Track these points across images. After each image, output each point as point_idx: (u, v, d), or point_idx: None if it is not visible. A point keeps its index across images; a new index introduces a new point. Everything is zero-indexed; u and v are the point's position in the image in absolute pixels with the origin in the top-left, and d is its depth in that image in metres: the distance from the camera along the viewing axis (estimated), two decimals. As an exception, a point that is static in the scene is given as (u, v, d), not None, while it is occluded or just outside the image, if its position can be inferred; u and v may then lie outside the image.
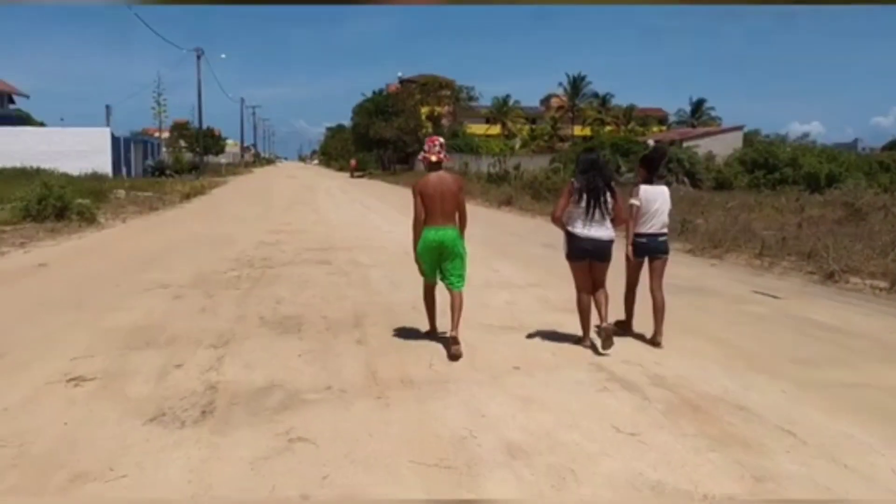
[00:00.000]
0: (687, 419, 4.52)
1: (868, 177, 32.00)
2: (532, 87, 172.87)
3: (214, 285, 8.97)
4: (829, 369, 5.78)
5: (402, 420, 4.42)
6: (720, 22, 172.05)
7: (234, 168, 72.81)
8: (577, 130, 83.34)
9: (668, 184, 34.94)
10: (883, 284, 9.36)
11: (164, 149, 64.83)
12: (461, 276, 6.09)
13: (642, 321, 6.67)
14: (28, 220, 16.00)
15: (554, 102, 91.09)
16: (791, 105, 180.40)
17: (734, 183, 34.91)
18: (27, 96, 52.13)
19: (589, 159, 6.20)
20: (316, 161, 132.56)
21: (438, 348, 6.06)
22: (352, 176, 59.52)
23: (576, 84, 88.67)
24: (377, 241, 13.83)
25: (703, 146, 45.75)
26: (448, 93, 59.59)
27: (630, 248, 6.49)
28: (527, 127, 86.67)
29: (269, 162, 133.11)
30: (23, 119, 49.36)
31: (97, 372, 5.26)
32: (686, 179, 36.56)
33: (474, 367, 5.57)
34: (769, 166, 36.35)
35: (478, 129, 79.47)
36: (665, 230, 6.48)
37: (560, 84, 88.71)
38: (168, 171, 46.57)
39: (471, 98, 60.81)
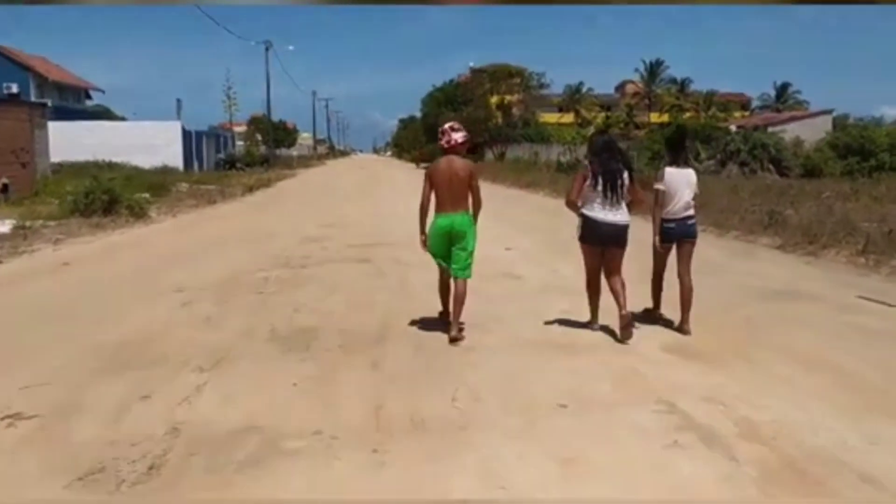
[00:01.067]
0: (792, 494, 3.26)
1: (978, 161, 29.15)
2: (606, 74, 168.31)
3: (235, 289, 8.07)
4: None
5: (392, 488, 3.31)
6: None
7: (307, 161, 73.10)
8: (654, 117, 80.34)
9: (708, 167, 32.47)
10: None
11: (238, 142, 65.76)
12: (467, 265, 5.98)
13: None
14: (76, 214, 15.63)
15: (629, 89, 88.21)
16: (881, 88, 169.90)
17: (825, 170, 32.38)
18: (103, 91, 53.43)
19: (603, 141, 6.08)
20: (389, 153, 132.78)
21: (466, 376, 4.92)
22: (417, 166, 59.02)
23: (653, 69, 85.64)
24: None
25: (789, 132, 42.83)
26: (518, 81, 57.86)
27: (657, 235, 6.25)
28: (601, 115, 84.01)
29: (344, 154, 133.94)
30: (98, 114, 50.30)
31: (43, 407, 4.32)
32: (771, 167, 34.21)
33: (508, 404, 4.41)
34: (864, 152, 33.59)
35: (550, 117, 77.60)
36: (692, 212, 6.27)
37: (636, 70, 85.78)
38: (239, 165, 46.81)
39: (541, 85, 58.90)
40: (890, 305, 7.42)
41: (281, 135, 71.04)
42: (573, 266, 9.34)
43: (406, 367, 5.14)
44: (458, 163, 5.89)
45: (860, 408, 4.38)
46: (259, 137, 68.86)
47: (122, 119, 53.15)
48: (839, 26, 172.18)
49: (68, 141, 39.15)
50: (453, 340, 5.75)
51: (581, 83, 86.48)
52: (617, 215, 5.83)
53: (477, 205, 6.00)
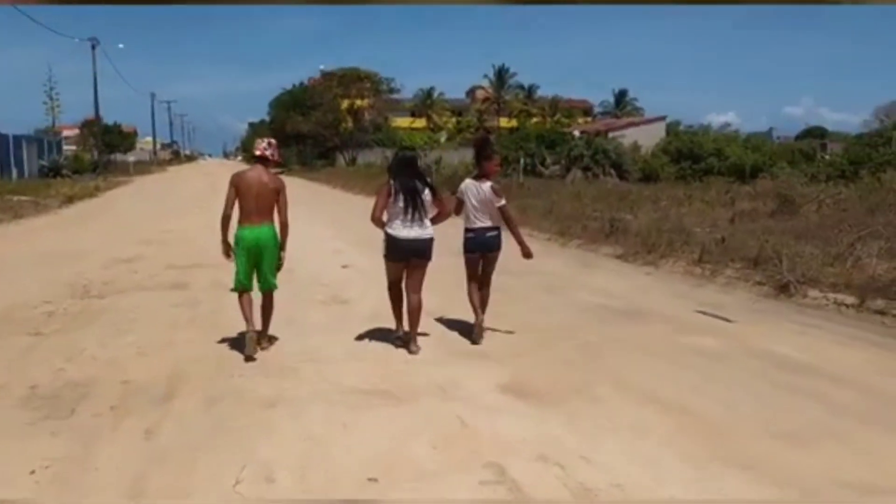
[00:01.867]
0: None
1: (791, 165, 31.38)
2: (457, 79, 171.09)
3: (3, 329, 6.72)
4: (818, 447, 4.06)
5: None
6: (638, 16, 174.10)
7: (146, 167, 68.48)
8: (504, 122, 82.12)
9: (586, 172, 33.31)
10: (850, 300, 7.76)
11: (68, 147, 60.57)
12: (274, 275, 6.08)
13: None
14: None
15: (479, 95, 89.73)
16: (708, 96, 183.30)
17: (661, 174, 33.90)
18: None
19: (404, 158, 6.20)
20: (239, 157, 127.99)
21: (260, 445, 4.05)
22: None
23: (501, 75, 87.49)
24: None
25: (628, 137, 44.77)
26: (368, 85, 57.07)
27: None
28: (452, 120, 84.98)
29: (191, 159, 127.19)
30: None
31: None
32: (612, 171, 35.40)
33: (306, 482, 3.59)
34: (694, 157, 35.55)
35: (403, 122, 77.37)
36: (489, 224, 6.42)
37: (486, 76, 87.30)
38: (65, 172, 42.97)
39: (391, 90, 58.45)
40: (727, 321, 7.26)
41: (115, 139, 66.20)
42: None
43: (187, 435, 4.19)
44: (268, 176, 5.86)
45: (704, 456, 3.93)
46: (93, 142, 63.95)
47: None
48: (673, 36, 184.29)
49: None
50: (263, 349, 5.93)
51: (432, 88, 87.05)
52: (419, 230, 5.92)
53: (284, 225, 5.98)
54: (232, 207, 5.83)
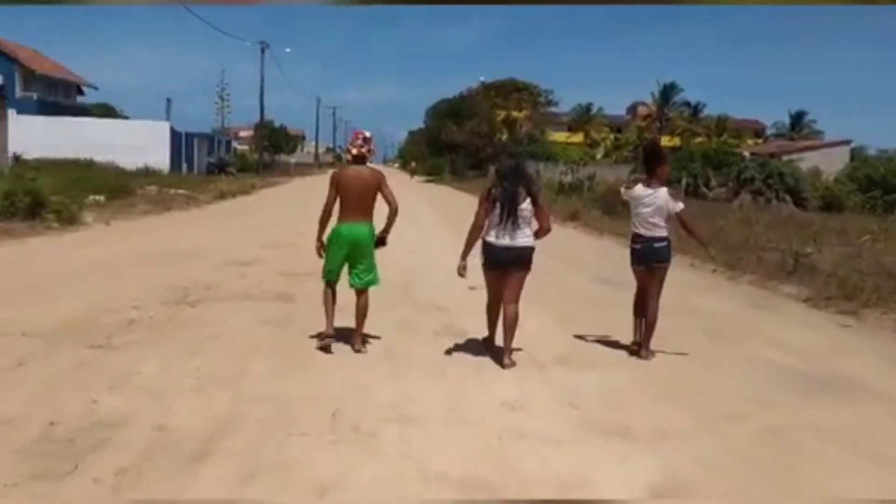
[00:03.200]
0: None
1: None
2: (617, 95, 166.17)
3: (72, 336, 5.90)
4: None
5: None
6: (819, 29, 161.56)
7: (307, 169, 70.98)
8: (666, 140, 78.27)
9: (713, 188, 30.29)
10: None
11: (238, 146, 63.83)
12: (368, 275, 5.96)
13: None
14: (-5, 218, 13.54)
15: (641, 111, 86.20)
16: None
17: (845, 203, 30.22)
18: (96, 88, 51.38)
19: (511, 165, 5.93)
20: (397, 165, 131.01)
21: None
22: (411, 178, 59.86)
23: (666, 92, 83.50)
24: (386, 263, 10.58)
25: (806, 161, 40.66)
26: (525, 96, 55.83)
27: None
28: (611, 136, 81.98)
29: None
30: (87, 111, 48.44)
31: None
32: (788, 197, 32.01)
33: None
34: (887, 185, 31.46)
35: (559, 136, 75.62)
36: (659, 234, 6.09)
37: (651, 93, 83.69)
38: (229, 170, 44.86)
39: (549, 102, 56.88)
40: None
41: (280, 140, 69.01)
42: (543, 318, 7.29)
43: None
44: (367, 172, 5.82)
45: None
46: (265, 143, 66.98)
47: (126, 118, 51.28)
48: (858, 56, 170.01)
49: (52, 137, 37.43)
50: (357, 351, 5.84)
51: (591, 103, 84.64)
52: (515, 239, 5.73)
53: (393, 211, 5.92)
54: (332, 205, 5.82)
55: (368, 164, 6.02)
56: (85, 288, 8.01)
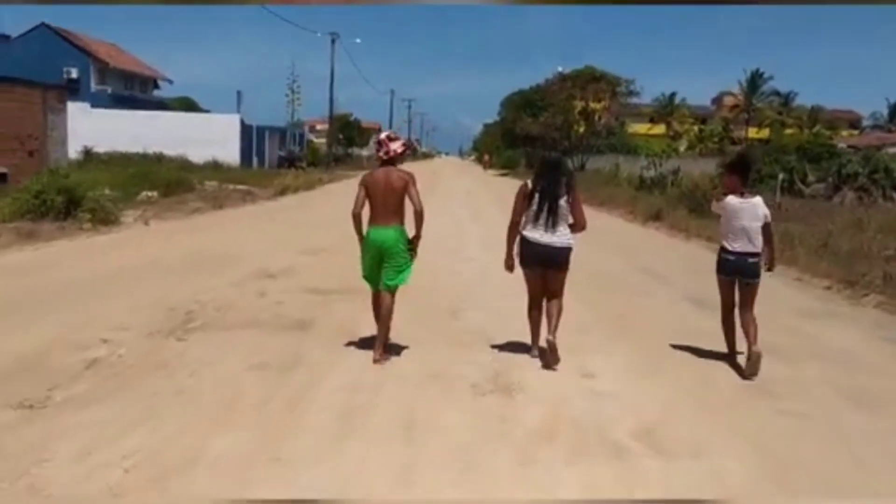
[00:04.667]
0: None
1: None
2: (703, 85, 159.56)
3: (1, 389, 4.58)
4: None
5: None
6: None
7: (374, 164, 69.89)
8: (753, 133, 74.16)
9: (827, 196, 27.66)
10: None
11: (315, 140, 63.46)
12: (398, 276, 5.71)
13: None
14: (28, 216, 12.68)
15: (727, 101, 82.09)
16: None
17: (963, 202, 26.98)
18: (171, 81, 51.80)
19: (551, 161, 5.93)
20: (472, 157, 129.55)
21: None
22: (485, 170, 59.46)
23: (754, 81, 79.15)
24: (437, 279, 9.04)
25: (912, 154, 37.03)
26: (604, 86, 53.19)
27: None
28: (695, 128, 78.17)
29: (427, 156, 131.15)
30: (164, 104, 48.70)
31: None
32: (895, 195, 28.94)
33: None
34: None
35: (640, 128, 72.53)
36: (754, 250, 5.83)
37: (738, 81, 79.53)
38: (299, 163, 44.28)
39: (630, 92, 53.95)
40: None
41: (353, 133, 68.34)
42: (625, 364, 5.54)
43: None
44: (395, 173, 5.67)
45: None
46: (341, 136, 66.61)
47: (207, 112, 51.53)
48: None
49: (125, 130, 37.54)
50: (375, 362, 5.58)
51: (674, 93, 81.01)
52: (554, 237, 5.62)
53: (419, 216, 5.66)
54: (359, 207, 5.68)
55: (397, 165, 5.76)
56: (71, 307, 6.77)
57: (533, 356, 5.87)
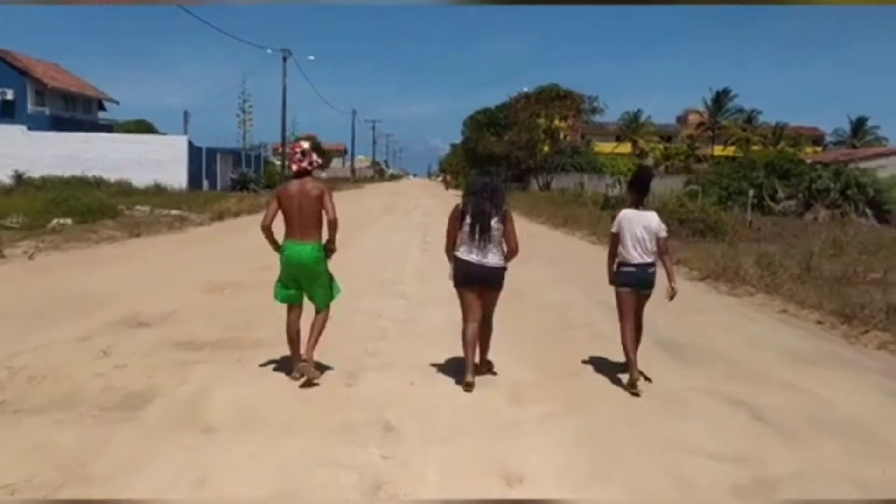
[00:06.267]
0: None
1: None
2: (667, 103, 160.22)
3: None
4: None
5: None
6: (878, 30, 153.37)
7: (340, 183, 68.03)
8: (718, 150, 73.81)
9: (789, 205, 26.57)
10: None
11: (272, 160, 61.41)
12: (326, 295, 5.65)
13: None
14: None
15: (692, 119, 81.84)
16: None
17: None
18: (117, 102, 49.44)
19: (482, 181, 5.75)
20: (440, 178, 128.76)
21: None
22: (446, 189, 59.87)
23: (719, 99, 79.01)
24: (350, 323, 7.29)
25: (880, 171, 36.22)
26: (568, 103, 52.05)
27: (610, 276, 5.95)
28: (660, 146, 77.68)
29: (395, 178, 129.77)
30: (108, 127, 46.45)
31: None
32: (868, 211, 27.90)
33: None
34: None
35: (606, 146, 71.75)
36: (651, 260, 5.77)
37: (703, 99, 79.38)
38: (252, 186, 42.35)
39: (594, 110, 52.83)
40: None
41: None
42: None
43: None
44: (310, 184, 5.47)
45: None
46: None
47: (162, 134, 49.28)
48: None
49: (60, 154, 35.37)
50: (304, 381, 5.34)
51: (640, 111, 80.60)
52: (488, 256, 5.52)
53: (332, 226, 5.48)
54: (272, 219, 5.47)
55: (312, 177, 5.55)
56: None
57: (460, 383, 5.52)
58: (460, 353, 5.67)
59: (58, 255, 12.54)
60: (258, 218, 16.28)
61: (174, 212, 22.75)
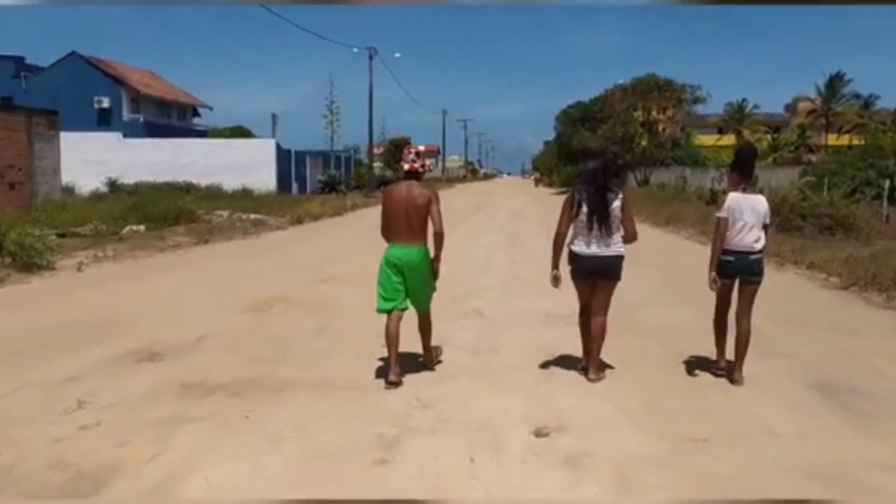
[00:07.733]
0: None
1: None
2: (775, 92, 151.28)
3: None
4: None
5: None
6: None
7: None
8: (832, 139, 68.55)
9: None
10: None
11: (365, 162, 61.17)
12: (430, 297, 5.60)
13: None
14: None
15: (801, 107, 76.50)
16: None
17: None
18: (211, 108, 50.08)
19: (594, 167, 5.46)
20: (533, 176, 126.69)
21: None
22: (536, 186, 65.13)
23: (833, 84, 73.45)
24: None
25: None
26: (667, 94, 49.08)
27: (714, 270, 5.49)
28: (767, 137, 72.94)
29: (488, 177, 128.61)
30: (203, 133, 46.97)
31: None
32: None
33: None
34: None
35: (708, 139, 67.89)
36: (758, 246, 5.45)
37: (815, 85, 74.04)
38: (339, 188, 41.79)
39: (696, 100, 49.65)
40: None
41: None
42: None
43: None
44: (418, 190, 5.36)
45: None
46: (389, 157, 64.06)
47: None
48: None
49: (154, 160, 35.67)
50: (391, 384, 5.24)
51: (745, 100, 75.91)
52: (604, 247, 5.35)
53: (438, 237, 5.39)
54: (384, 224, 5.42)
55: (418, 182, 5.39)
56: None
57: (581, 370, 5.56)
58: (545, 404, 4.08)
59: (111, 266, 11.61)
60: (338, 221, 15.36)
61: (253, 216, 22.00)
